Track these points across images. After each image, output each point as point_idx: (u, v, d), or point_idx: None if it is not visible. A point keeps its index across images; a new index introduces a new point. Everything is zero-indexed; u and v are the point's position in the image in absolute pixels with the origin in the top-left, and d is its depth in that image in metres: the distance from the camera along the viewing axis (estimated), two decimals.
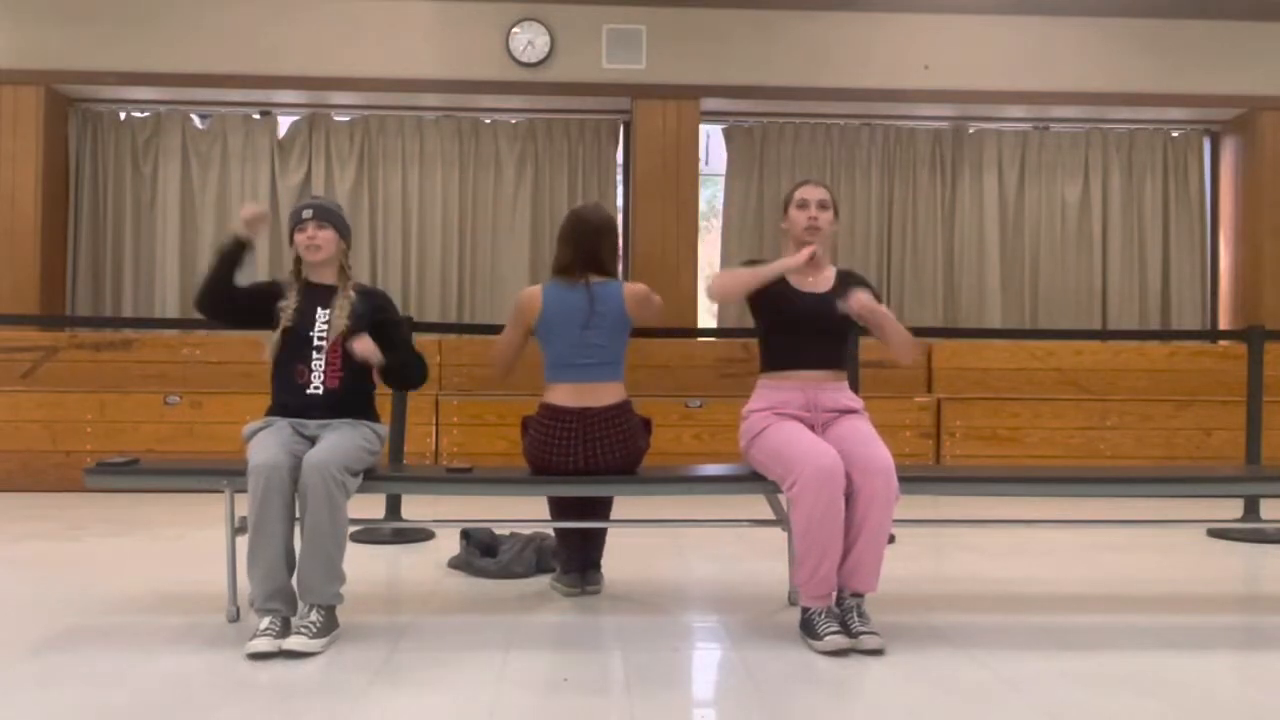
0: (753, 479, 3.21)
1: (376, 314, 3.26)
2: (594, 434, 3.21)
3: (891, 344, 3.21)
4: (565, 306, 3.28)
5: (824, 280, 3.25)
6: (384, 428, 3.25)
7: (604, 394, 3.26)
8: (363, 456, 3.05)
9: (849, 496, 2.92)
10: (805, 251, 3.15)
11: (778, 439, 3.05)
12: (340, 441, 2.99)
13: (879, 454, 2.95)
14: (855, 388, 3.58)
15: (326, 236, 3.21)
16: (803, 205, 3.23)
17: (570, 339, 3.27)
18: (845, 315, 3.17)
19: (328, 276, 3.25)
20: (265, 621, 2.83)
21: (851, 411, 3.17)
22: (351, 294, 3.22)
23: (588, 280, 3.32)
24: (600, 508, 3.53)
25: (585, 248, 3.36)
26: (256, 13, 7.05)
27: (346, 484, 2.92)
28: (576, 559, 3.53)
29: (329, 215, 3.24)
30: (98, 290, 7.43)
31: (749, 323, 3.44)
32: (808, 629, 2.92)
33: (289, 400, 3.15)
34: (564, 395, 3.26)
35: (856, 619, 2.91)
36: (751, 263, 3.29)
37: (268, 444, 2.95)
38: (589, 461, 3.21)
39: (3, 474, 5.90)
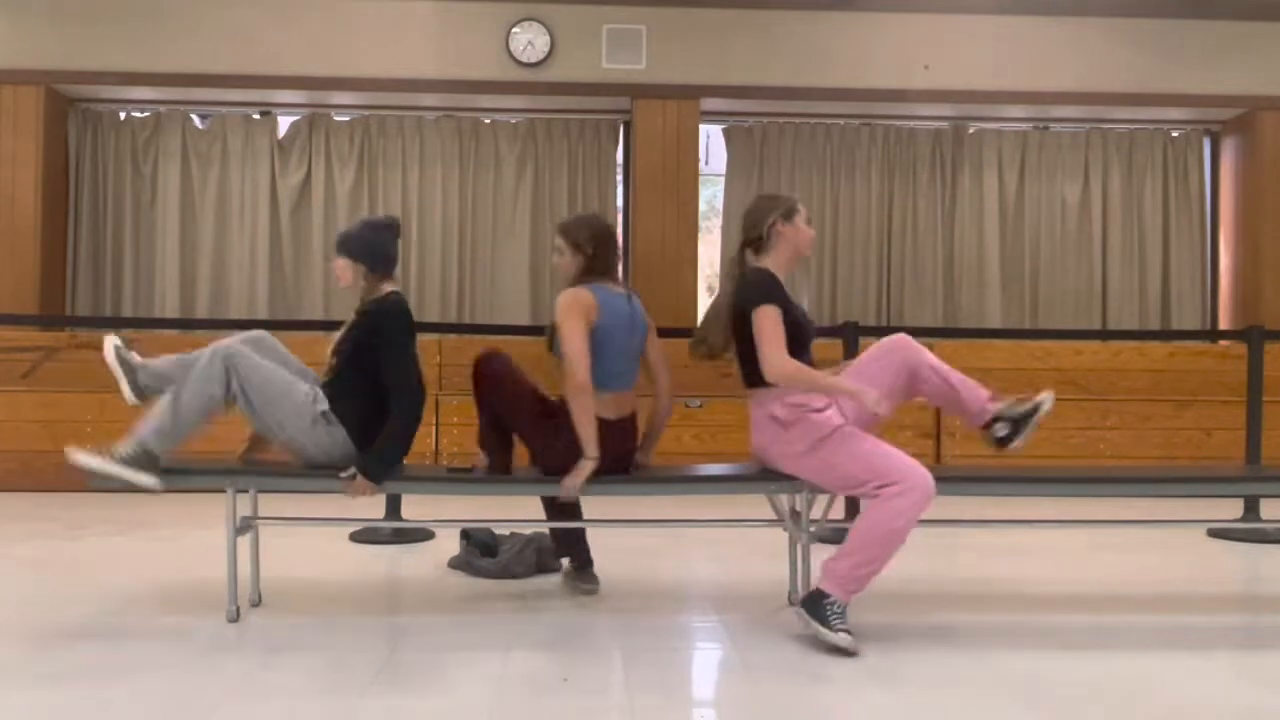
0: (754, 479, 3.20)
1: (364, 335, 3.20)
2: (628, 445, 3.27)
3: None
4: (616, 313, 3.26)
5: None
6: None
7: (633, 402, 3.31)
8: (298, 442, 3.18)
9: None
10: (870, 400, 2.91)
11: (870, 443, 2.97)
12: (287, 419, 3.18)
13: None
14: None
15: (340, 265, 3.29)
16: (809, 223, 3.26)
17: (620, 347, 3.26)
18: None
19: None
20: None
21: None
22: (354, 316, 3.27)
23: (628, 288, 3.37)
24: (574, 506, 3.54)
25: (615, 256, 3.38)
26: (256, 13, 7.05)
27: (235, 387, 3.20)
28: (583, 552, 3.54)
29: (341, 244, 3.30)
30: (98, 290, 7.43)
31: None
32: (816, 612, 2.86)
33: None
34: (608, 407, 3.20)
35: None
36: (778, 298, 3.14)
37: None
38: (615, 469, 3.23)
39: (3, 474, 5.90)
